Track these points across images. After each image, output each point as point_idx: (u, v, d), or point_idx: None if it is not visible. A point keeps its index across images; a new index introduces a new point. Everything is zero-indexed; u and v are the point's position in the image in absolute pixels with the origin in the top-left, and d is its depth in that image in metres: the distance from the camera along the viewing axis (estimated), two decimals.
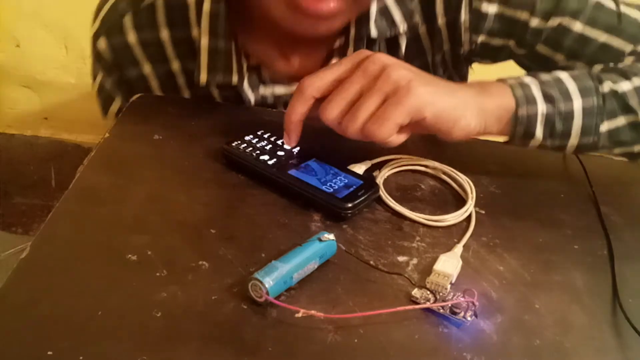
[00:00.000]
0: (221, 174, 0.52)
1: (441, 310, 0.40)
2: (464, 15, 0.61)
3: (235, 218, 0.47)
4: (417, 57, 0.64)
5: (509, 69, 0.67)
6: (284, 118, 0.51)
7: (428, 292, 0.41)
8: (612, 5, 0.59)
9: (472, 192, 0.52)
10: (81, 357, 0.34)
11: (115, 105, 0.67)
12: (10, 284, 0.39)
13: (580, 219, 0.52)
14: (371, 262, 0.44)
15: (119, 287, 0.39)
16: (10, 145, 1.59)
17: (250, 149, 0.53)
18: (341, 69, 0.49)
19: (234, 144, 0.53)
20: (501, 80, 0.53)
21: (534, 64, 0.64)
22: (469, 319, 0.39)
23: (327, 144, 0.52)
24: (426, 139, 0.55)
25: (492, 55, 0.66)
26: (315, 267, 0.42)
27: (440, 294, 0.41)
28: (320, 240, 0.42)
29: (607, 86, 0.52)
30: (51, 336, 0.35)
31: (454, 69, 0.68)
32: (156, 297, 0.39)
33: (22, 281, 0.39)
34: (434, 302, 0.41)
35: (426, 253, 0.46)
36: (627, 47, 0.58)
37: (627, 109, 0.51)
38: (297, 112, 0.50)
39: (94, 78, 0.67)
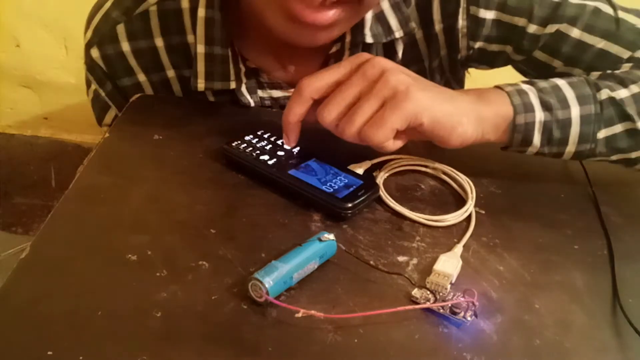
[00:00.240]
0: (221, 174, 0.52)
1: (441, 310, 0.40)
2: (461, 21, 0.61)
3: (235, 218, 0.47)
4: (414, 62, 0.64)
5: (507, 74, 0.67)
6: (282, 119, 0.51)
7: (428, 292, 0.41)
8: (610, 11, 0.58)
9: (472, 192, 0.52)
10: (81, 357, 0.34)
11: (110, 114, 0.67)
12: (10, 284, 0.39)
13: (580, 219, 0.52)
14: (371, 262, 0.44)
15: (119, 287, 0.39)
16: (10, 145, 1.59)
17: (250, 149, 0.53)
18: (340, 71, 0.49)
19: (234, 144, 0.53)
20: (499, 88, 0.52)
21: (532, 70, 0.64)
22: (469, 319, 0.39)
23: (327, 144, 0.52)
24: (426, 140, 0.54)
25: (489, 60, 0.65)
26: (315, 267, 0.42)
27: (440, 294, 0.41)
28: (320, 240, 0.42)
29: (604, 93, 0.51)
30: (51, 336, 0.35)
31: (451, 75, 0.68)
32: (156, 297, 0.39)
33: (22, 281, 0.39)
34: (434, 302, 0.41)
35: (426, 253, 0.46)
36: (625, 54, 0.58)
37: (624, 116, 0.51)
38: (295, 112, 0.50)
39: (88, 86, 0.67)
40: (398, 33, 0.61)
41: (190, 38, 0.60)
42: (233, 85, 0.60)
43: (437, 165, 0.55)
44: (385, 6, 0.60)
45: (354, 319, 0.39)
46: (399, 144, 0.49)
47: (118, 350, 0.35)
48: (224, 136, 0.55)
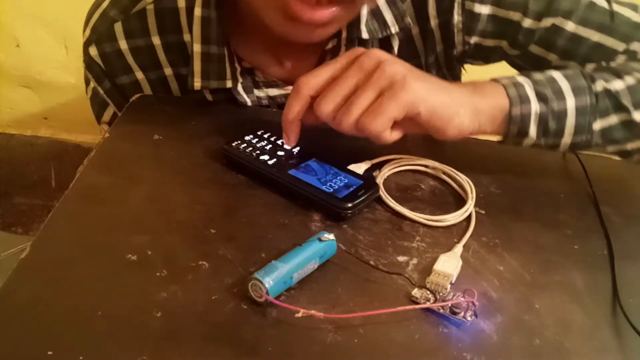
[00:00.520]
0: (221, 174, 0.52)
1: (441, 310, 0.40)
2: (456, 17, 0.61)
3: (235, 218, 0.47)
4: (410, 58, 0.64)
5: (502, 70, 0.67)
6: (282, 118, 0.51)
7: (428, 292, 0.41)
8: (605, 4, 0.59)
9: (472, 192, 0.52)
10: (81, 357, 0.34)
11: (108, 112, 0.67)
12: (10, 284, 0.39)
13: (580, 219, 0.52)
14: (371, 262, 0.44)
15: (119, 287, 0.39)
16: (10, 145, 1.59)
17: (250, 149, 0.53)
18: (337, 67, 0.49)
19: (234, 144, 0.53)
20: (495, 80, 0.53)
21: (527, 64, 0.64)
22: (469, 319, 0.39)
23: (327, 144, 0.52)
24: (426, 139, 0.55)
25: (485, 56, 0.66)
26: (315, 267, 0.42)
27: (440, 294, 0.41)
28: (320, 240, 0.42)
29: (599, 85, 0.52)
30: (51, 336, 0.35)
31: (447, 71, 0.68)
32: (156, 297, 0.39)
33: (22, 281, 0.39)
34: (434, 302, 0.41)
35: (426, 253, 0.46)
36: (620, 46, 0.58)
37: (619, 107, 0.52)
38: (294, 111, 0.50)
39: (87, 84, 0.67)
40: (394, 28, 0.61)
41: (186, 37, 0.61)
42: (229, 84, 0.60)
43: (437, 165, 0.55)
44: (381, 2, 0.60)
45: (354, 319, 0.39)
46: (396, 135, 0.49)
47: (118, 350, 0.35)
48: (224, 136, 0.55)
